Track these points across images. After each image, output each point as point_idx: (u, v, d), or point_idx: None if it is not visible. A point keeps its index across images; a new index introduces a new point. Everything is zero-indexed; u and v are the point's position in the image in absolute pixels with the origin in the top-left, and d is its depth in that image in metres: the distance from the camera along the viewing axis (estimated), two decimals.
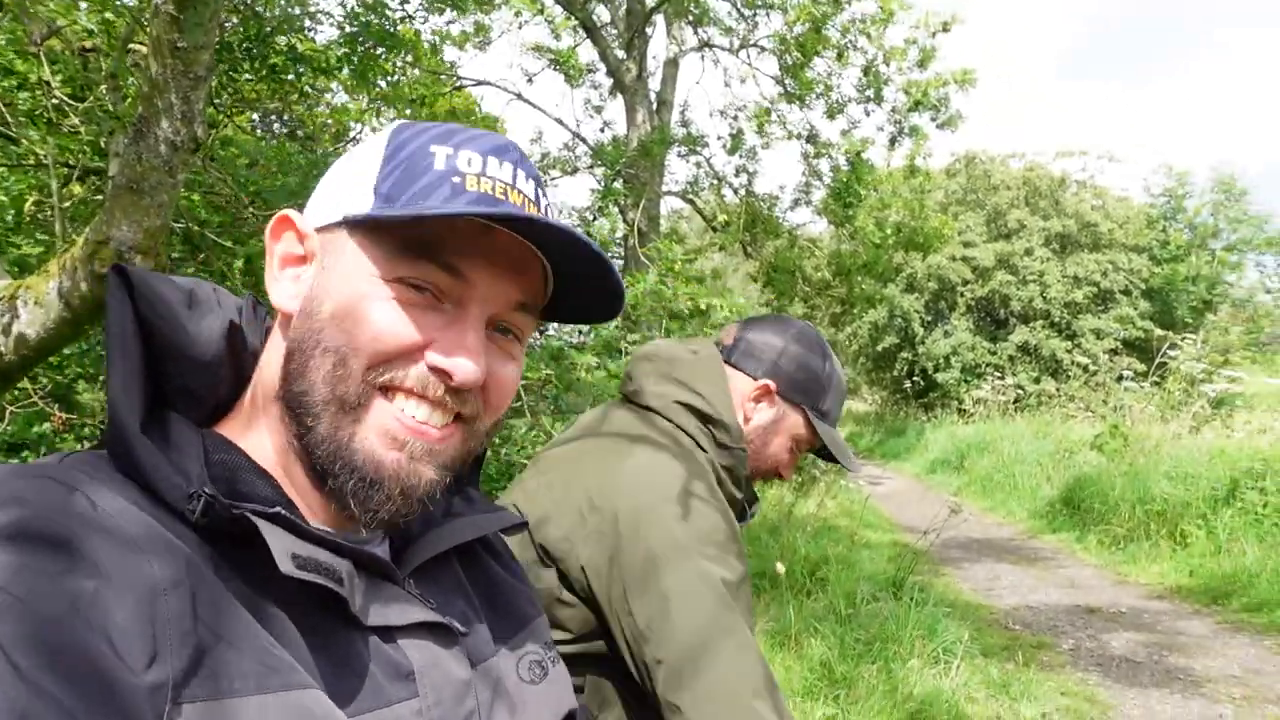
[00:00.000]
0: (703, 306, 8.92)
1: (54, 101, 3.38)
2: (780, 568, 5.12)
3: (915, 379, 18.95)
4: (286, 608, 0.55)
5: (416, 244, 0.60)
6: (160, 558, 0.48)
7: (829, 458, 1.48)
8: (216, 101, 5.12)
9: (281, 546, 0.54)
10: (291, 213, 0.65)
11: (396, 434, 0.61)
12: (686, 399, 1.31)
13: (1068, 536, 7.66)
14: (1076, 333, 17.80)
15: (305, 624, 0.56)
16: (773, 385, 1.38)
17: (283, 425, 0.62)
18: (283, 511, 0.56)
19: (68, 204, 3.04)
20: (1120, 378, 11.38)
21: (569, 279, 0.67)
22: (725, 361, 1.41)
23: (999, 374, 16.68)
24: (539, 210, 0.65)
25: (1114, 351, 17.01)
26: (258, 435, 0.63)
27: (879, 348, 20.13)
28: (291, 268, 0.65)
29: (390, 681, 0.59)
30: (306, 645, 0.55)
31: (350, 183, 0.64)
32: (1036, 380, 17.09)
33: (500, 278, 0.64)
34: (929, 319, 19.40)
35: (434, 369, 0.61)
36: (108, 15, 3.70)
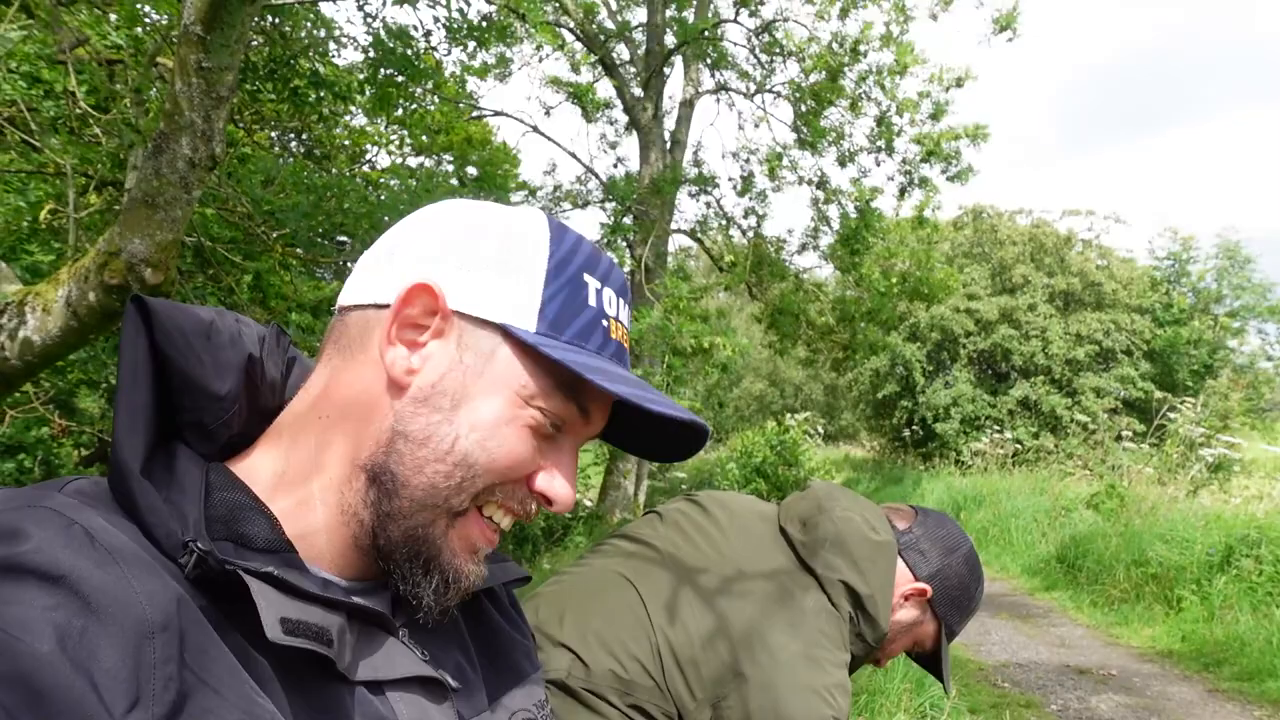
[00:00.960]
0: (705, 345, 8.96)
1: (78, 111, 3.44)
2: None
3: (915, 428, 18.92)
4: (274, 657, 0.54)
5: (568, 383, 0.63)
6: (152, 598, 0.48)
7: (932, 670, 1.51)
8: (237, 118, 5.20)
9: (272, 612, 0.53)
10: (436, 285, 0.62)
11: (478, 544, 0.64)
12: (854, 583, 1.31)
13: (1061, 595, 7.61)
14: (1077, 390, 17.80)
15: (292, 674, 0.55)
16: (930, 592, 1.40)
17: (351, 490, 0.61)
18: (275, 572, 0.55)
19: (82, 213, 3.07)
20: (1119, 437, 11.36)
21: (651, 427, 0.70)
22: (898, 541, 1.41)
23: (998, 427, 16.66)
24: (627, 339, 0.70)
25: (1114, 410, 17.00)
26: (275, 466, 0.62)
27: (879, 395, 20.12)
28: (411, 331, 0.63)
29: None
30: (292, 695, 0.54)
31: (507, 279, 0.63)
32: (1035, 435, 17.07)
33: (604, 418, 0.68)
34: (930, 369, 19.41)
35: (538, 493, 0.65)
36: (137, 31, 3.77)
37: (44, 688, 0.42)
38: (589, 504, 10.03)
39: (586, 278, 0.65)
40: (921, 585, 1.40)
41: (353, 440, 0.62)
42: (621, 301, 0.68)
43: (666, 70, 11.29)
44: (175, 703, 0.46)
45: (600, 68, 11.24)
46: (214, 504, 0.58)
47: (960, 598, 1.43)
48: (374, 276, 0.65)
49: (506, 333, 0.62)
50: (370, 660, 0.60)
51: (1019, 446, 15.32)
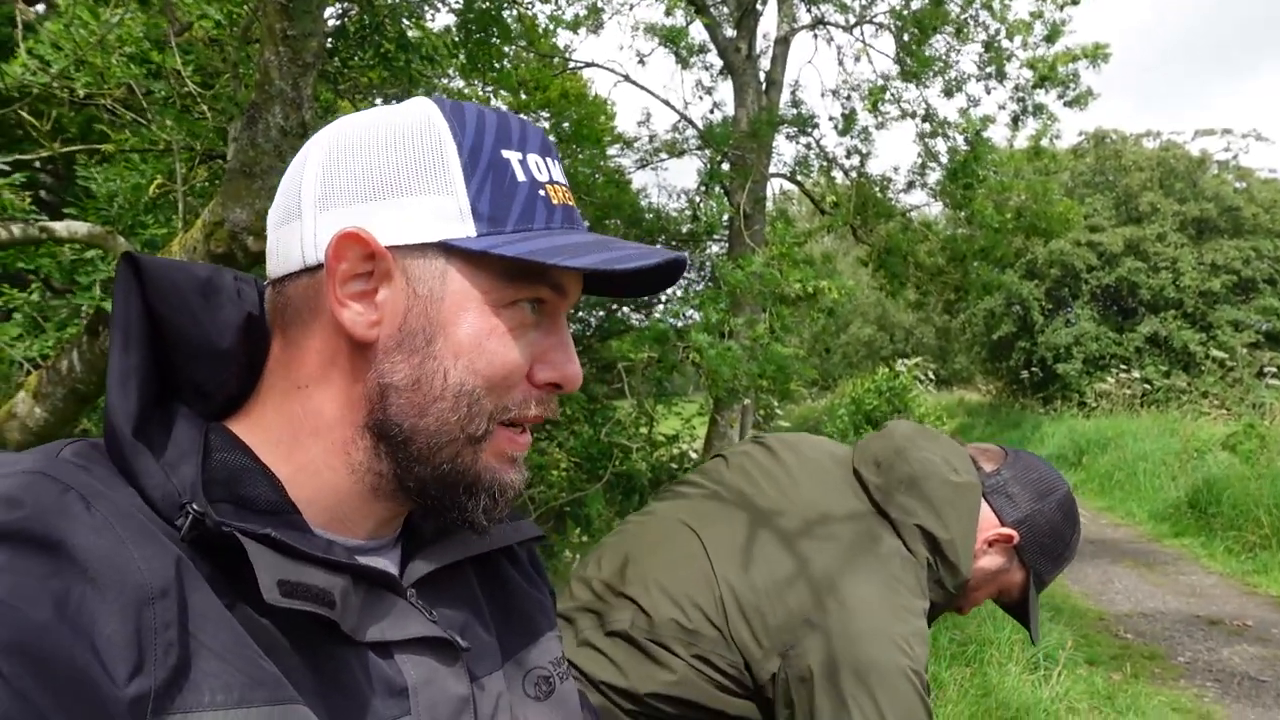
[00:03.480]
0: (811, 290, 8.78)
1: (185, 90, 3.58)
2: None
3: (1033, 369, 18.14)
4: (278, 620, 0.54)
5: (529, 271, 0.61)
6: (151, 563, 0.48)
7: (1019, 619, 1.44)
8: (339, 87, 5.33)
9: (269, 574, 0.52)
10: (362, 231, 0.59)
11: (513, 454, 0.64)
12: (932, 528, 1.25)
13: (1192, 541, 7.22)
14: (1212, 324, 16.68)
15: (296, 636, 0.54)
16: (1018, 538, 1.33)
17: (358, 450, 0.61)
18: (273, 534, 0.54)
19: (184, 186, 3.22)
20: (1260, 373, 10.64)
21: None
22: (984, 485, 1.34)
23: (1125, 366, 15.79)
24: (570, 197, 0.66)
25: (1254, 345, 15.87)
26: (294, 438, 0.61)
27: (995, 336, 19.36)
28: (354, 283, 0.60)
29: (382, 699, 0.58)
30: (298, 659, 0.54)
31: (427, 196, 0.60)
32: (1166, 374, 16.11)
33: (579, 283, 0.66)
34: (1050, 307, 18.52)
35: (547, 383, 0.64)
36: (233, 9, 3.89)
37: (45, 656, 0.42)
38: (694, 454, 10.07)
39: (505, 154, 0.61)
40: (1008, 531, 1.32)
41: (342, 403, 0.61)
42: (549, 161, 0.64)
43: (760, 7, 10.95)
44: (177, 667, 0.46)
45: (691, 9, 10.97)
46: (213, 465, 0.57)
47: (1052, 545, 1.34)
48: (292, 238, 0.62)
49: (448, 248, 0.60)
50: (378, 623, 0.60)
51: (1148, 386, 14.49)
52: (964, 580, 1.27)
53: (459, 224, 0.59)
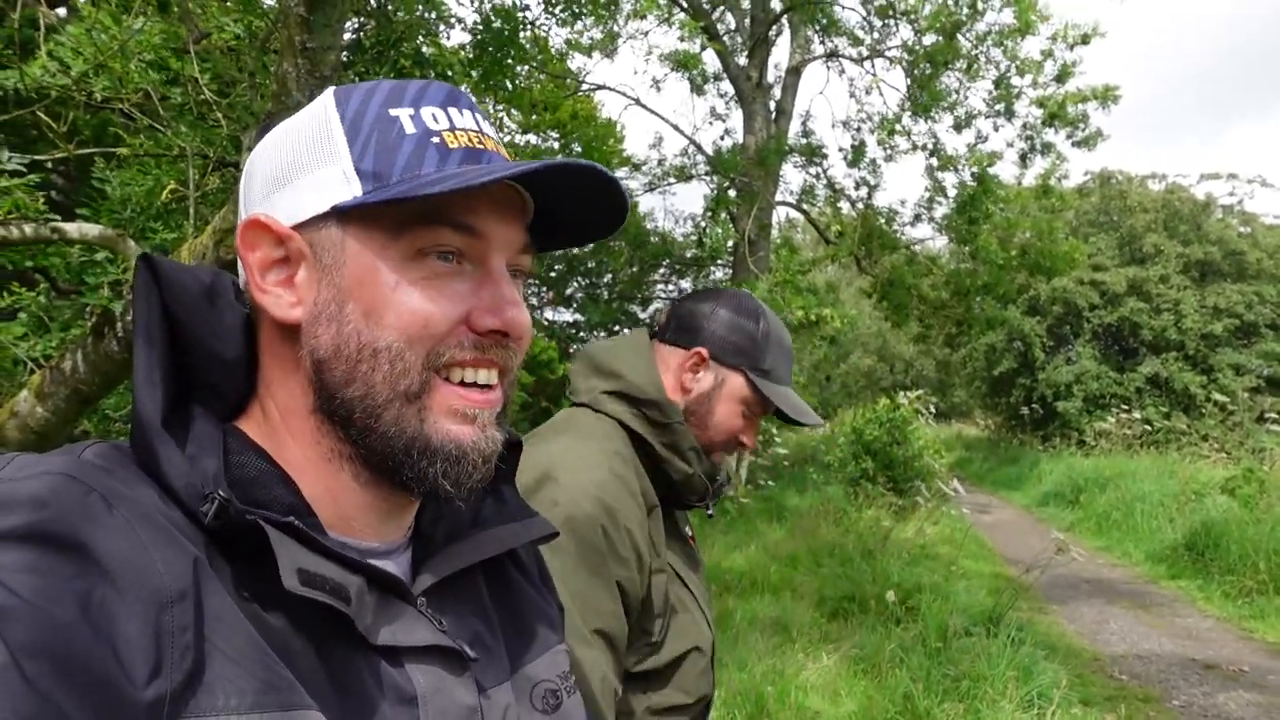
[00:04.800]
0: (813, 317, 8.79)
1: (201, 97, 3.62)
2: (891, 596, 5.09)
3: (1033, 406, 18.13)
4: (293, 621, 0.54)
5: (422, 213, 0.59)
6: (171, 565, 0.48)
7: (787, 419, 1.45)
8: None
9: (290, 560, 0.53)
10: (263, 216, 0.61)
11: (465, 410, 0.62)
12: (612, 386, 1.34)
13: (1188, 584, 7.19)
14: (1213, 367, 16.69)
15: (310, 640, 0.55)
16: (705, 352, 1.39)
17: (322, 435, 0.61)
18: (296, 522, 0.55)
19: (197, 193, 3.23)
20: (1261, 418, 10.63)
21: (564, 203, 0.67)
22: (661, 341, 1.43)
23: (1125, 406, 15.78)
24: (497, 145, 0.65)
25: (1256, 390, 15.86)
26: (276, 438, 0.62)
27: (996, 371, 19.37)
28: (274, 271, 0.62)
29: (392, 706, 0.57)
30: (311, 662, 0.54)
31: (316, 169, 0.61)
32: (1166, 416, 16.11)
33: (508, 225, 0.63)
34: (1051, 344, 18.55)
35: (487, 331, 0.62)
36: (253, 20, 3.93)
37: (68, 657, 0.42)
38: None
39: (393, 112, 0.61)
40: (696, 350, 1.39)
41: (296, 393, 0.62)
42: (454, 110, 0.63)
43: (772, 36, 11.06)
44: (192, 671, 0.46)
45: (705, 36, 11.08)
46: (233, 466, 0.58)
47: (740, 340, 1.40)
48: None
49: (340, 213, 0.60)
50: (389, 627, 0.59)
51: (1148, 427, 14.47)
52: (671, 405, 1.33)
53: (344, 187, 0.60)
